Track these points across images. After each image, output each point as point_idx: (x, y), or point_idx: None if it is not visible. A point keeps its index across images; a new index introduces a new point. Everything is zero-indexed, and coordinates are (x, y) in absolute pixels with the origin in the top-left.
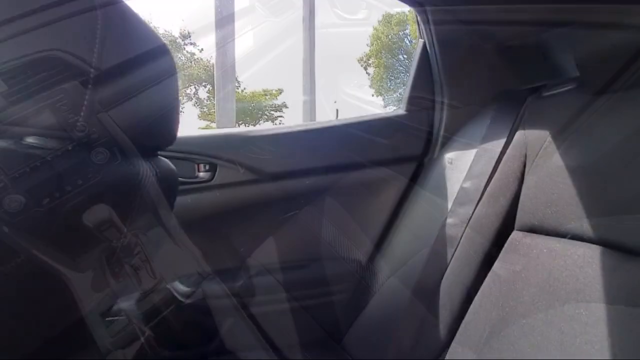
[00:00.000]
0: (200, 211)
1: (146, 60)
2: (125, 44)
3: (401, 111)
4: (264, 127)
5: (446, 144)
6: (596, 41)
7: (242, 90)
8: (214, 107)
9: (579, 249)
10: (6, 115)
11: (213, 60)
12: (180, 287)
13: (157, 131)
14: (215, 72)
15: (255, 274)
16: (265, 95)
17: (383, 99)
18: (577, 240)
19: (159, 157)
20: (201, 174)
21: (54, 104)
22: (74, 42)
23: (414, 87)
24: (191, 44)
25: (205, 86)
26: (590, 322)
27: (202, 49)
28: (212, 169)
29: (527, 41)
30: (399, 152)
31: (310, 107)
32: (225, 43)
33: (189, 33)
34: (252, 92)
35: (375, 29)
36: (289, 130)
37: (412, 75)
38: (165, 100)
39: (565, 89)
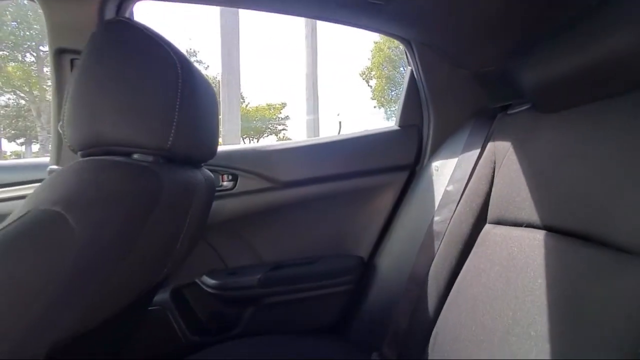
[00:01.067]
0: (224, 215)
1: (207, 103)
2: (196, 96)
3: (395, 127)
4: (278, 143)
5: (433, 154)
6: (543, 72)
7: (247, 105)
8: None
9: (530, 234)
10: (120, 141)
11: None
12: (207, 281)
13: (206, 148)
14: (220, 90)
15: (271, 268)
16: (269, 109)
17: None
18: (530, 228)
19: (203, 168)
20: (225, 183)
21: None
22: (161, 95)
23: (405, 106)
24: (197, 61)
25: None
26: (537, 289)
27: (207, 66)
28: (234, 178)
29: (495, 69)
30: (394, 162)
31: (314, 125)
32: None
33: (195, 51)
34: (256, 107)
35: (375, 42)
36: (299, 144)
37: (402, 97)
38: (213, 126)
39: (524, 108)
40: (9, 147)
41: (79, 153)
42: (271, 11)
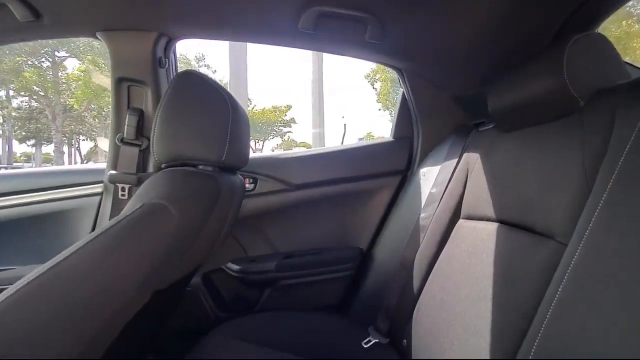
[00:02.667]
0: (246, 212)
1: (244, 125)
2: (239, 122)
3: (390, 139)
4: (291, 152)
5: (421, 162)
6: (502, 99)
7: (253, 108)
8: None
9: (488, 226)
10: (191, 157)
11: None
12: (232, 267)
13: (243, 159)
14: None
15: (285, 257)
16: (275, 111)
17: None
18: (489, 221)
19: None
20: (247, 185)
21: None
22: (218, 124)
23: (398, 122)
24: (205, 66)
25: None
26: (487, 267)
27: (215, 71)
28: (255, 182)
29: (471, 93)
30: (389, 168)
31: (320, 137)
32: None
33: (203, 56)
34: (263, 109)
35: None
36: (308, 153)
37: (396, 114)
38: (247, 141)
39: (490, 127)
40: (20, 148)
41: (163, 165)
42: (285, 46)
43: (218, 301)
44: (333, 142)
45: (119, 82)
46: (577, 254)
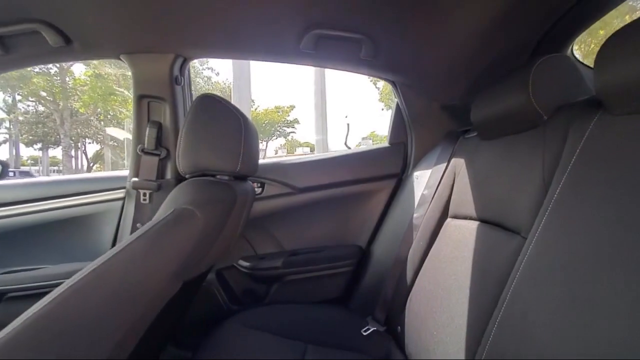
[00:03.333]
0: (255, 213)
1: (254, 137)
2: (250, 136)
3: (386, 144)
4: (295, 157)
5: (415, 166)
6: (482, 110)
7: (256, 109)
8: None
9: (470, 224)
10: (210, 168)
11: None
12: (242, 264)
13: (254, 166)
14: (232, 95)
15: (290, 254)
16: (278, 111)
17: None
18: (471, 220)
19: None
20: (255, 189)
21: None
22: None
23: (393, 129)
24: (209, 68)
25: None
26: (467, 260)
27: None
28: (262, 186)
29: (457, 103)
30: (386, 172)
31: (323, 144)
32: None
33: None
34: (265, 110)
35: None
36: (311, 159)
37: (391, 122)
38: (257, 151)
39: (474, 135)
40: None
41: (187, 175)
42: (287, 63)
43: (230, 295)
44: (337, 142)
45: (139, 98)
46: (530, 247)
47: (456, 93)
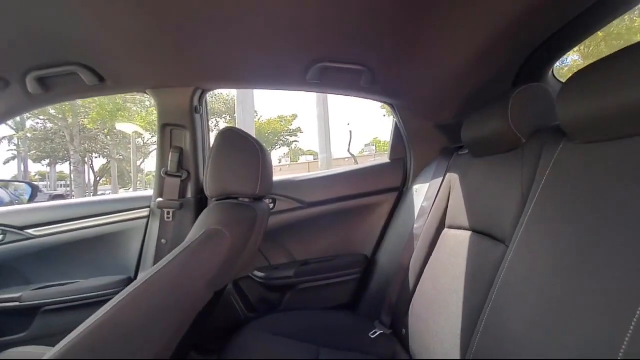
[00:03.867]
0: (268, 228)
1: (269, 162)
2: (266, 162)
3: (387, 160)
4: (304, 175)
5: (414, 180)
6: (471, 131)
7: (259, 119)
8: None
9: (463, 234)
10: (233, 192)
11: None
12: (257, 274)
13: (269, 188)
14: (236, 107)
15: (301, 264)
16: (281, 121)
17: None
18: (464, 230)
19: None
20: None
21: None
22: (252, 167)
23: (393, 147)
24: None
25: (225, 118)
26: (461, 267)
27: None
28: (274, 201)
29: (450, 123)
30: (387, 185)
31: (327, 161)
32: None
33: None
34: (268, 120)
35: None
36: (318, 176)
37: (391, 140)
38: (271, 174)
39: (466, 152)
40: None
41: (214, 199)
42: (294, 91)
43: (246, 304)
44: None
45: (163, 127)
46: (510, 255)
47: (448, 114)
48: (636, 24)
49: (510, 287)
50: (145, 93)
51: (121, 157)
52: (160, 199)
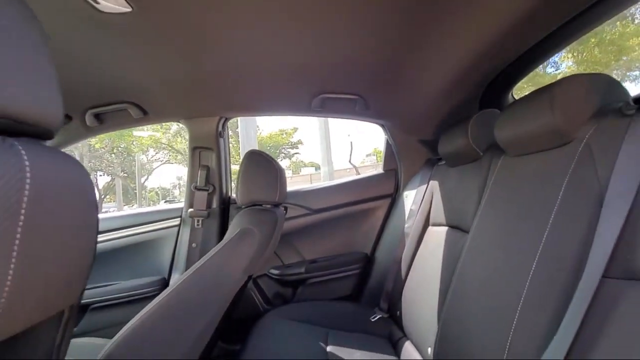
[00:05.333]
0: (281, 231)
1: (283, 174)
2: (281, 174)
3: (382, 171)
4: (311, 185)
5: (404, 187)
6: (446, 146)
7: (260, 133)
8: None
9: (442, 229)
10: (258, 200)
11: None
12: (273, 272)
13: (285, 195)
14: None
15: (310, 262)
16: (282, 134)
17: None
18: (442, 226)
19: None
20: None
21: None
22: (273, 179)
23: (385, 159)
24: None
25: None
26: (438, 257)
27: None
28: (285, 209)
29: (430, 139)
30: (382, 192)
31: (329, 173)
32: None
33: None
34: (270, 134)
35: None
36: (324, 186)
37: (384, 154)
38: (285, 183)
39: (444, 162)
40: None
41: (243, 206)
42: (300, 116)
43: (264, 298)
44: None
45: (193, 149)
46: (468, 240)
47: (429, 131)
48: (628, 30)
49: (467, 263)
50: (179, 122)
51: (125, 175)
52: (191, 209)
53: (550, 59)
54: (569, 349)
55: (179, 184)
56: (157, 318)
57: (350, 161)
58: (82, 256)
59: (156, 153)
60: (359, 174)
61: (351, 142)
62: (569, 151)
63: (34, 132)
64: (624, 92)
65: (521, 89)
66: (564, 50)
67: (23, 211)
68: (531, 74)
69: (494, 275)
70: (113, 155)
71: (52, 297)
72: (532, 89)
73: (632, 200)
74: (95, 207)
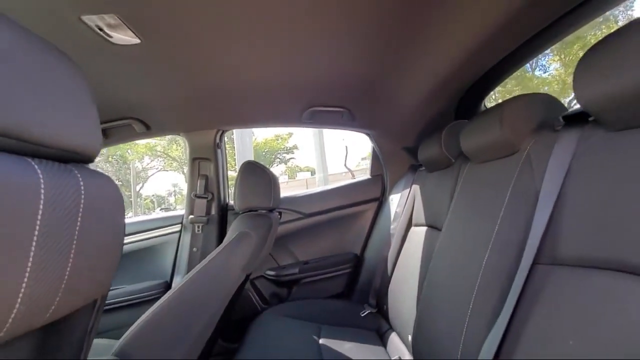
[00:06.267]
0: (276, 235)
1: (277, 182)
2: (276, 180)
3: (369, 176)
4: (303, 191)
5: (390, 191)
6: (424, 153)
7: (255, 139)
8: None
9: (421, 229)
10: (253, 206)
11: None
12: (269, 273)
13: (278, 201)
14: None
15: (304, 263)
16: (277, 139)
17: None
18: (422, 226)
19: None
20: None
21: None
22: (267, 184)
23: (372, 166)
24: None
25: None
26: (419, 253)
27: None
28: (280, 213)
29: (411, 146)
30: (370, 196)
31: (324, 179)
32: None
33: None
34: (265, 139)
35: None
36: (315, 191)
37: (371, 160)
38: (279, 190)
39: (423, 168)
40: None
41: (240, 212)
42: (291, 127)
43: (261, 298)
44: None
45: (193, 160)
46: (440, 237)
47: (411, 139)
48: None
49: (438, 258)
50: (180, 135)
51: (120, 183)
52: (191, 216)
53: (540, 63)
54: (507, 325)
55: (174, 191)
56: (164, 315)
57: (345, 165)
58: (114, 251)
59: (151, 161)
60: (354, 177)
61: (346, 147)
62: (515, 160)
63: (80, 159)
64: (561, 108)
65: (512, 92)
66: (551, 53)
67: (79, 219)
68: (519, 77)
69: (457, 266)
70: (108, 164)
71: (93, 285)
72: (520, 91)
73: (555, 199)
74: (123, 214)
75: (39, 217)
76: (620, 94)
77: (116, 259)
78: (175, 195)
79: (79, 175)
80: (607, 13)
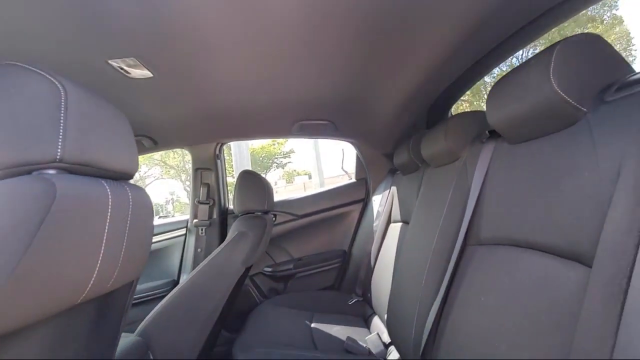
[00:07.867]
0: (272, 235)
1: (270, 187)
2: (270, 189)
3: (354, 180)
4: (296, 194)
5: (373, 193)
6: (399, 159)
7: (252, 144)
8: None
9: (398, 225)
10: (249, 209)
11: None
12: (266, 269)
13: (272, 204)
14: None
15: (297, 260)
16: (274, 144)
17: None
18: (399, 222)
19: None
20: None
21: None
22: (263, 190)
23: (356, 170)
24: None
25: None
26: (395, 247)
27: None
28: (275, 215)
29: (389, 152)
30: (356, 198)
31: (320, 183)
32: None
33: None
34: (261, 145)
35: None
36: (307, 194)
37: (355, 166)
38: (272, 194)
39: (399, 172)
40: None
41: (240, 214)
42: (282, 138)
43: (260, 292)
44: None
45: (196, 170)
46: (408, 229)
47: (389, 146)
48: (598, 31)
49: (404, 247)
50: (184, 148)
51: None
52: (195, 220)
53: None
54: (445, 294)
55: (172, 199)
56: (177, 303)
57: (342, 167)
58: (147, 244)
59: (149, 169)
60: (351, 178)
61: (342, 149)
62: (456, 165)
63: (127, 177)
64: None
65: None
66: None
67: (129, 220)
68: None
69: (415, 252)
70: None
71: (134, 267)
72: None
73: (477, 195)
74: (152, 217)
75: (108, 218)
76: (517, 117)
77: (148, 250)
78: (173, 204)
79: (127, 189)
80: (593, 12)
